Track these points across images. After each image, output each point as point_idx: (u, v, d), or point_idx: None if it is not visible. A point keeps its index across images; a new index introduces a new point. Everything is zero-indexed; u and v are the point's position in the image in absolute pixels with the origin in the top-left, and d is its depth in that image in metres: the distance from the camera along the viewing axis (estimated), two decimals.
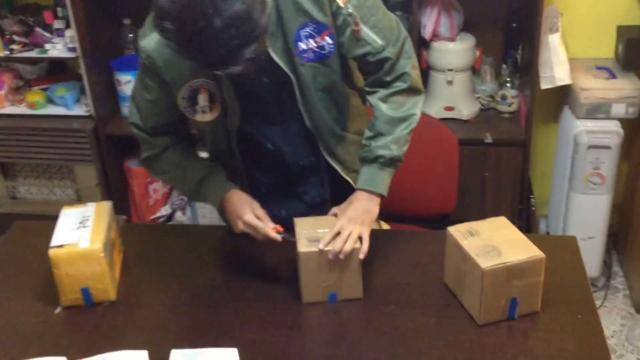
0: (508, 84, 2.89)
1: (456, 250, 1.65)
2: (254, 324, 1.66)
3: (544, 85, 2.78)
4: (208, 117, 1.70)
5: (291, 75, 1.67)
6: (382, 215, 1.81)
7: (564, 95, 2.95)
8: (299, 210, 1.87)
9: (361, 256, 1.65)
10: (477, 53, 2.85)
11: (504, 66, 2.93)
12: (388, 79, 1.74)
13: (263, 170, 1.89)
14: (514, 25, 2.89)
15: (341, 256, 1.63)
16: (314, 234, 1.67)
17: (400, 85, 1.74)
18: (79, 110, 3.07)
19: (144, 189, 3.14)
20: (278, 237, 1.68)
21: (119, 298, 1.76)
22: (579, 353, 1.54)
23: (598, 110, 2.76)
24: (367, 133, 1.76)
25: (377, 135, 1.74)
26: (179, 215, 3.21)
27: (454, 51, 2.81)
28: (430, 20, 2.76)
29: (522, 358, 1.54)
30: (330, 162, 1.83)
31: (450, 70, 2.81)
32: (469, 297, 1.64)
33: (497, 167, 2.87)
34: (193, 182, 1.78)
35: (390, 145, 1.73)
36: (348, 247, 1.63)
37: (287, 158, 1.83)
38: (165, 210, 3.19)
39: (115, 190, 3.13)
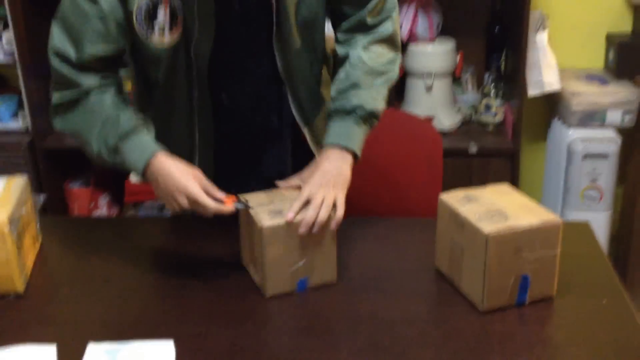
0: (492, 93, 2.63)
1: (451, 220, 1.34)
2: (197, 315, 1.30)
3: (533, 91, 2.54)
4: (167, 39, 1.36)
5: None
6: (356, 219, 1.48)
7: (552, 105, 2.71)
8: (250, 188, 1.53)
9: (333, 225, 1.32)
10: (458, 58, 2.61)
11: (487, 74, 2.68)
12: (371, 21, 1.47)
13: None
14: (497, 27, 2.66)
15: (315, 228, 1.30)
16: (274, 208, 1.33)
17: (382, 31, 1.49)
18: (15, 124, 2.74)
19: (85, 214, 2.78)
20: (232, 208, 1.34)
21: (29, 292, 1.39)
22: (610, 341, 1.20)
23: (592, 118, 2.51)
24: (339, 85, 1.47)
25: (353, 86, 1.45)
26: None
27: (433, 54, 2.56)
28: (406, 19, 2.52)
29: (540, 347, 1.20)
30: (299, 126, 1.52)
31: (429, 74, 2.55)
32: (468, 279, 1.31)
33: (482, 181, 2.56)
34: (114, 137, 1.37)
35: (369, 98, 1.44)
36: (323, 214, 1.31)
37: (243, 117, 1.51)
38: None
39: (53, 214, 2.76)
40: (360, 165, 1.45)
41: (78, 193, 2.77)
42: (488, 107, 2.63)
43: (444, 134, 2.60)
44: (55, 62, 1.39)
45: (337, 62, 1.51)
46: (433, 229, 1.42)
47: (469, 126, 2.70)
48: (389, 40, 1.50)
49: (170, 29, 1.34)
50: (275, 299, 1.33)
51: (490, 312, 1.27)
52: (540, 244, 1.27)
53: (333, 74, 1.53)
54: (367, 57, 1.46)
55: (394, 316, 1.28)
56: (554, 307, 1.30)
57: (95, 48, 1.36)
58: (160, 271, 1.46)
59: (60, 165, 2.77)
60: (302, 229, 1.30)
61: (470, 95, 2.71)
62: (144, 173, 1.36)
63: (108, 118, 1.38)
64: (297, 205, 1.32)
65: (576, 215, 2.52)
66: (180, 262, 1.48)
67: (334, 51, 1.52)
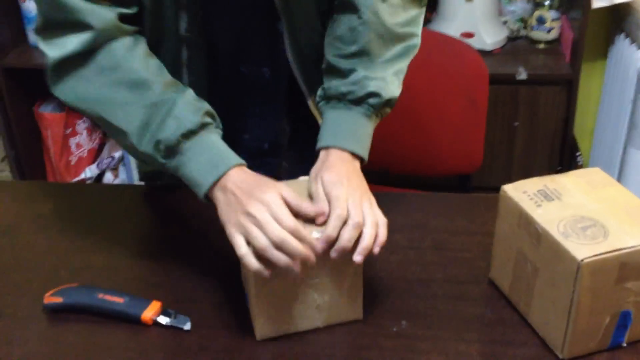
0: (546, 3, 2.14)
1: (520, 227, 0.93)
2: None
3: (597, 2, 2.05)
4: None
5: None
6: (369, 175, 1.05)
7: (617, 19, 2.22)
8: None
9: (377, 250, 0.90)
10: None
11: None
12: None
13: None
14: None
15: (360, 256, 0.89)
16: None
17: None
18: None
19: (61, 142, 2.38)
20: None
21: None
22: None
23: None
24: (340, 44, 1.04)
25: (362, 54, 1.02)
26: (108, 178, 2.45)
27: None
28: None
29: None
30: (296, 78, 1.10)
31: None
32: (542, 310, 0.92)
33: (530, 113, 2.14)
34: (172, 131, 0.92)
35: (388, 77, 1.02)
36: (371, 235, 0.89)
37: (228, 63, 1.08)
38: (91, 172, 2.44)
39: (23, 145, 2.37)
40: None
41: (51, 118, 2.35)
42: (541, 21, 2.15)
43: (485, 54, 2.13)
44: None
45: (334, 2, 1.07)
46: (482, 210, 1.00)
47: (516, 43, 2.23)
48: None
49: None
50: (386, 311, 0.97)
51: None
52: None
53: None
54: (383, 9, 1.01)
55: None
56: None
57: None
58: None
59: (27, 86, 2.34)
60: (335, 254, 0.88)
61: (519, 4, 2.22)
62: (211, 188, 0.92)
63: (156, 93, 0.94)
64: (334, 225, 0.88)
65: None
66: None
67: None
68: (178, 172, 0.94)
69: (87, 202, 1.24)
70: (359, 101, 1.01)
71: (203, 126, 0.93)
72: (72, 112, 2.38)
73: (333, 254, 0.88)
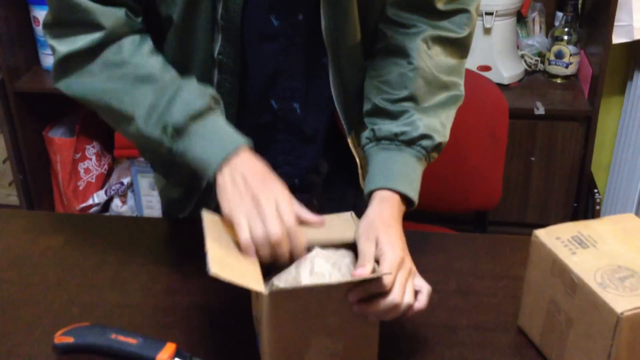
0: (565, 37, 2.12)
1: (553, 274, 0.89)
2: None
3: (618, 39, 2.02)
4: None
5: None
6: None
7: (635, 54, 2.19)
8: None
9: (410, 314, 0.87)
10: None
11: (560, 14, 2.16)
12: (443, 6, 1.01)
13: None
14: None
15: (391, 315, 0.85)
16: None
17: (454, 28, 1.03)
18: None
19: (70, 167, 2.35)
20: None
21: None
22: None
23: None
24: (389, 91, 1.02)
25: (411, 99, 1.00)
26: (116, 205, 2.42)
27: None
28: None
29: None
30: (335, 116, 1.08)
31: (489, 14, 2.04)
32: None
33: (548, 148, 2.11)
34: (180, 113, 0.91)
35: (439, 122, 1.01)
36: (409, 300, 0.86)
37: (257, 89, 1.05)
38: (99, 198, 2.40)
39: (32, 169, 2.34)
40: None
41: (60, 143, 2.33)
42: (560, 55, 2.12)
43: (502, 88, 2.10)
44: None
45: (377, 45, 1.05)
46: (507, 252, 0.97)
47: (533, 77, 2.20)
48: (459, 44, 1.04)
49: None
50: None
51: None
52: None
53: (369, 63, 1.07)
54: (432, 58, 1.00)
55: None
56: None
57: None
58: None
59: (38, 110, 2.32)
60: (373, 318, 0.85)
61: (537, 39, 2.20)
62: (220, 167, 0.89)
63: (162, 82, 0.93)
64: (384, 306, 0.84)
65: None
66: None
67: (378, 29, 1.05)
68: (186, 155, 0.91)
69: (100, 235, 1.20)
70: (411, 142, 0.99)
71: (210, 109, 0.92)
72: (82, 137, 2.36)
73: (356, 308, 0.84)
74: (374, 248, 0.87)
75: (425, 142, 0.98)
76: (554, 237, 0.91)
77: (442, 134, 1.01)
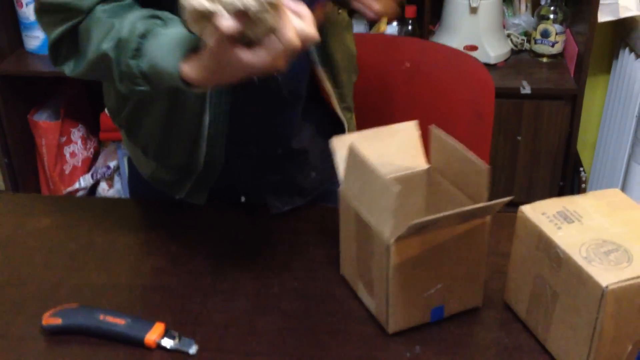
0: (551, 17, 2.12)
1: (538, 249, 0.90)
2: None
3: (603, 17, 2.03)
4: None
5: None
6: None
7: (621, 33, 2.20)
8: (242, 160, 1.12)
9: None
10: None
11: None
12: None
13: None
14: None
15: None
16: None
17: None
18: None
19: (56, 150, 2.33)
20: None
21: None
22: None
23: None
24: None
25: None
26: (103, 188, 2.41)
27: None
28: None
29: None
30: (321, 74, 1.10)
31: None
32: (561, 338, 0.88)
33: (534, 128, 2.11)
34: (132, 36, 0.88)
35: None
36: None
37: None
38: (85, 181, 2.40)
39: (17, 153, 2.32)
40: (381, 118, 1.07)
41: (45, 126, 2.31)
42: (546, 34, 2.13)
43: (488, 68, 2.11)
44: None
45: None
46: (492, 226, 0.97)
47: (519, 57, 2.21)
48: None
49: None
50: (399, 336, 0.93)
51: None
52: None
53: None
54: None
55: None
56: None
57: None
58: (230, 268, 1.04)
59: (22, 93, 2.30)
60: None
61: (523, 18, 2.20)
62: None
63: (120, 19, 0.91)
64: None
65: None
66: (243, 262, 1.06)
67: None
68: (153, 70, 0.88)
69: (87, 217, 1.19)
70: None
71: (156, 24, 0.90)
72: (67, 120, 2.35)
73: None
74: None
75: None
76: (540, 213, 0.92)
77: None
